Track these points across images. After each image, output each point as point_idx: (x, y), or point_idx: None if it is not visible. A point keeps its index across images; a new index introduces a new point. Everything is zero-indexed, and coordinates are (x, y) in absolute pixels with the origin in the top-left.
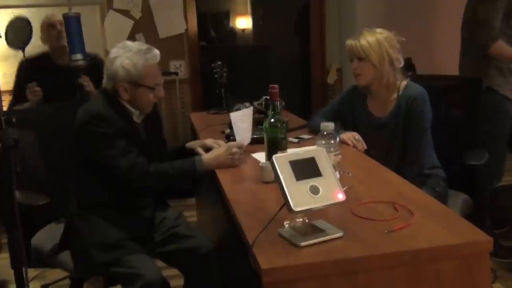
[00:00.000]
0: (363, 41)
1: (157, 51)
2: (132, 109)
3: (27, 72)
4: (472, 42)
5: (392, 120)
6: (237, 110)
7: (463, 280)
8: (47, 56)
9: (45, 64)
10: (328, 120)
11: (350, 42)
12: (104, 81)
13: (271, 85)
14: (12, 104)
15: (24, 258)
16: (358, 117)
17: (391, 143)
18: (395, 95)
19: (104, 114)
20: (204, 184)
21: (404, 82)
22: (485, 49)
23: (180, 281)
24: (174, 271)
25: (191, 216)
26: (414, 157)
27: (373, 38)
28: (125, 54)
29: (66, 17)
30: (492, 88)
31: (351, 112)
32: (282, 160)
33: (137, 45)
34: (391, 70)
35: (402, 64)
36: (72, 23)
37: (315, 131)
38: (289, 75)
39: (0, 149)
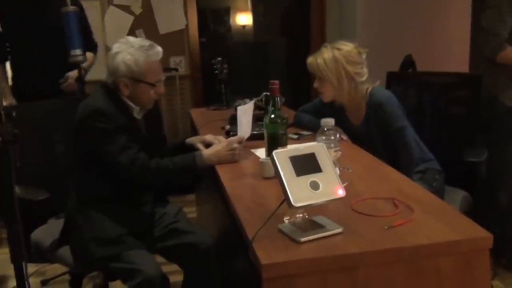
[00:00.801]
0: (319, 60)
1: (159, 48)
2: (132, 105)
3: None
4: (478, 52)
5: (365, 128)
6: (237, 106)
7: (462, 276)
8: None
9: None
10: None
11: (309, 60)
12: (105, 75)
13: (271, 81)
14: None
15: (24, 253)
16: (340, 124)
17: (372, 147)
18: (363, 104)
19: (105, 109)
20: (204, 180)
21: (369, 90)
22: (492, 59)
23: (180, 277)
24: (174, 267)
25: (191, 212)
26: (407, 157)
27: (329, 55)
28: (127, 50)
29: (65, 12)
30: (501, 100)
31: (332, 116)
32: (282, 156)
33: (140, 41)
34: (352, 85)
35: (365, 77)
36: (71, 18)
37: (300, 125)
38: (289, 71)
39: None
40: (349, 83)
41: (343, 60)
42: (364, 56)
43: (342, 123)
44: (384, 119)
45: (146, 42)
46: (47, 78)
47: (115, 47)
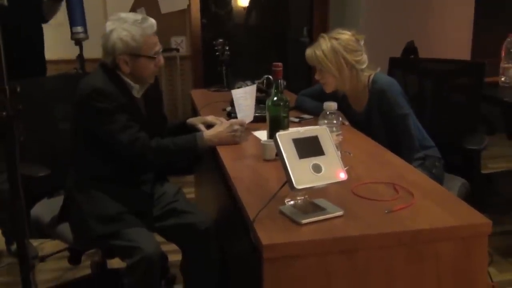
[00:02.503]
0: (318, 51)
1: (153, 20)
2: (132, 84)
3: None
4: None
5: (368, 115)
6: (238, 88)
7: (460, 262)
8: None
9: None
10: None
11: (307, 52)
12: (103, 55)
13: (274, 63)
14: None
15: (27, 229)
16: (341, 110)
17: (374, 135)
18: (366, 90)
19: (105, 88)
20: (204, 161)
21: (372, 76)
22: None
23: (178, 256)
24: (173, 246)
25: (190, 192)
26: (408, 144)
27: (328, 45)
28: (121, 26)
29: None
30: None
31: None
32: (285, 138)
33: (132, 15)
34: (354, 74)
35: (365, 64)
36: None
37: (302, 109)
38: (290, 55)
39: (4, 117)
40: (350, 71)
41: (341, 49)
42: (362, 42)
43: (344, 110)
44: (387, 105)
45: (139, 16)
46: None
47: (108, 26)
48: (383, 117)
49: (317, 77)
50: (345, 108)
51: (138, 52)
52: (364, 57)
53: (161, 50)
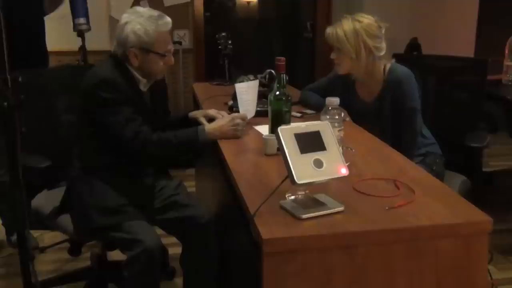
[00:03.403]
0: (339, 31)
1: (168, 19)
2: (139, 77)
3: None
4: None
5: (379, 104)
6: (241, 82)
7: (460, 259)
8: None
9: None
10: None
11: (328, 30)
12: (114, 46)
13: (277, 58)
14: None
15: (27, 220)
16: (348, 100)
17: (382, 125)
18: (380, 79)
19: (112, 79)
20: (204, 154)
21: (388, 65)
22: None
23: (178, 249)
24: (173, 239)
25: (190, 186)
26: (410, 138)
27: (350, 27)
28: (137, 20)
29: None
30: None
31: (341, 94)
32: (287, 132)
33: (148, 11)
34: (370, 59)
35: (383, 52)
36: None
37: (308, 105)
38: (292, 50)
39: (5, 108)
40: (367, 56)
41: (363, 33)
42: (383, 30)
43: (351, 99)
44: (401, 95)
45: (155, 12)
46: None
47: (124, 17)
48: (393, 107)
49: (332, 56)
50: (351, 97)
51: (149, 47)
52: (383, 45)
53: (172, 49)
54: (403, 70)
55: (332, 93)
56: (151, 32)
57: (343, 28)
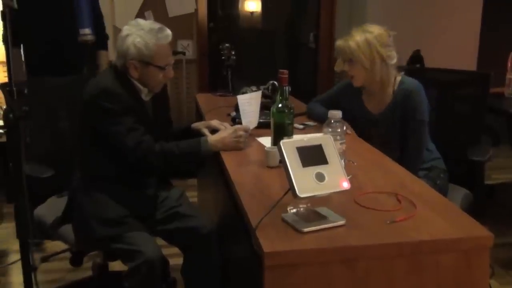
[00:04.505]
0: (352, 43)
1: (169, 31)
2: (141, 87)
3: None
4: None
5: (388, 116)
6: (243, 93)
7: (462, 274)
8: None
9: None
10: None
11: (339, 43)
12: (115, 58)
13: (280, 70)
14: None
15: (31, 229)
16: (355, 112)
17: (389, 137)
18: (390, 91)
19: (114, 89)
20: (207, 165)
21: (399, 77)
22: None
23: (180, 260)
24: (174, 250)
25: (192, 196)
26: (416, 150)
27: (362, 38)
28: (137, 32)
29: None
30: None
31: (348, 105)
32: (289, 146)
33: (150, 24)
34: (384, 68)
35: (395, 60)
36: None
37: (313, 118)
38: (296, 61)
39: (11, 119)
40: (381, 65)
41: (376, 42)
42: (391, 39)
43: (358, 111)
44: (410, 107)
45: (156, 25)
46: (60, 57)
47: (125, 30)
48: (402, 119)
49: (346, 69)
50: (359, 107)
51: (149, 60)
52: (394, 53)
53: (172, 62)
54: (413, 82)
55: (338, 104)
56: (151, 45)
57: (355, 39)
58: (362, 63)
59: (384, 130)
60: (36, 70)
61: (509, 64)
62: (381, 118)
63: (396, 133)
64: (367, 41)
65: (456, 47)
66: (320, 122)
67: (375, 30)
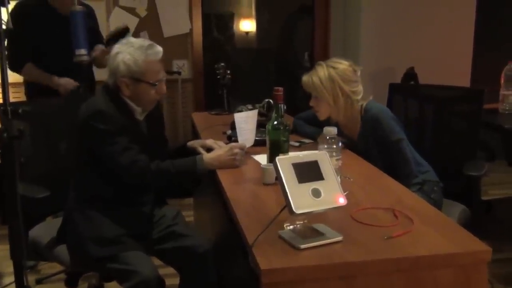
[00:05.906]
0: (315, 79)
1: (159, 48)
2: (134, 106)
3: (19, 18)
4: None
5: (362, 142)
6: (239, 111)
7: None
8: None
9: (42, 10)
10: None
11: (304, 78)
12: (107, 77)
13: (275, 88)
14: (11, 65)
15: (25, 250)
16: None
17: (370, 156)
18: (358, 119)
19: (106, 110)
20: (203, 184)
21: (364, 105)
22: None
23: (176, 280)
24: (170, 270)
25: (188, 215)
26: (406, 169)
27: (325, 74)
28: (127, 50)
29: (72, 12)
30: None
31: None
32: (285, 162)
33: (140, 41)
34: (348, 104)
35: (360, 95)
36: (79, 18)
37: (297, 132)
38: (291, 79)
39: (5, 139)
40: (345, 101)
41: (339, 79)
42: (358, 73)
43: (339, 133)
44: (381, 132)
45: (146, 42)
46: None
47: (116, 48)
48: (378, 144)
49: (311, 103)
50: (338, 130)
51: (140, 77)
52: (360, 88)
53: (164, 78)
54: (377, 107)
55: (321, 123)
56: (140, 61)
57: (319, 75)
58: (325, 99)
59: (364, 154)
60: (36, 91)
61: (502, 80)
62: (356, 144)
63: (376, 156)
64: (330, 78)
65: (450, 64)
66: (308, 138)
67: (339, 66)
